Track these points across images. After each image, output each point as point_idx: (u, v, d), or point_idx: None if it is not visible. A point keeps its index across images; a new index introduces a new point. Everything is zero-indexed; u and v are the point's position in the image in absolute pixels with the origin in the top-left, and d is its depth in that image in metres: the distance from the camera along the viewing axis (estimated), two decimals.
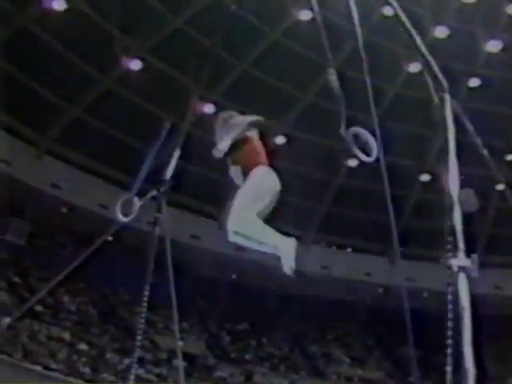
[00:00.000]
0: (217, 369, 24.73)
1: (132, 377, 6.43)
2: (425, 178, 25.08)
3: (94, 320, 22.86)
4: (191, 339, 23.93)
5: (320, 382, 26.57)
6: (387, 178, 4.05)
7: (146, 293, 6.51)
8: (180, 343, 7.79)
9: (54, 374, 14.95)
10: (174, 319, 7.22)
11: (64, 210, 21.20)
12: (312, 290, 28.61)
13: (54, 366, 15.72)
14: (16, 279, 21.80)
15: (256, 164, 4.25)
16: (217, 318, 29.41)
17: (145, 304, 6.51)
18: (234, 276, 29.73)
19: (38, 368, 14.88)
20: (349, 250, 28.92)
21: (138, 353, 6.50)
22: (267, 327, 30.03)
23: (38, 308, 20.25)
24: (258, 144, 4.41)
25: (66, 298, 23.08)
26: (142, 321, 6.56)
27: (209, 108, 19.14)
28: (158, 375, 19.62)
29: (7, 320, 6.74)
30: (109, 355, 19.65)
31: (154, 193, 6.54)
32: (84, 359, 17.87)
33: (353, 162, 22.12)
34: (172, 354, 21.45)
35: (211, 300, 28.61)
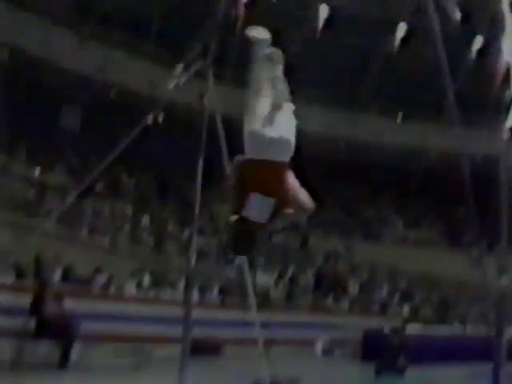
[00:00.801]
0: (272, 235, 25.61)
1: (193, 246, 6.93)
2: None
3: (153, 195, 23.82)
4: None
5: (374, 246, 27.28)
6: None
7: (201, 166, 6.85)
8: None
9: (120, 246, 15.86)
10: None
11: (113, 92, 21.45)
12: (364, 157, 28.73)
13: (119, 239, 16.64)
14: (74, 163, 22.68)
15: None
16: None
17: (200, 177, 6.88)
18: None
19: (105, 242, 15.79)
20: (400, 116, 28.56)
21: (197, 223, 6.96)
22: (320, 193, 30.51)
23: (99, 187, 21.20)
24: None
25: (124, 176, 23.98)
26: (199, 193, 6.96)
27: None
28: (217, 244, 20.59)
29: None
30: (170, 227, 20.65)
31: (199, 67, 6.68)
32: (147, 232, 18.85)
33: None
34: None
35: None
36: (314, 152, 28.43)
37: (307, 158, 26.40)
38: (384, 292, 21.36)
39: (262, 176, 3.31)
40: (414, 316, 16.29)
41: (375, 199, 31.92)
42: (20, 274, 11.26)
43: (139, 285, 13.07)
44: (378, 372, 10.96)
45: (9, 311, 8.96)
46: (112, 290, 12.40)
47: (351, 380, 9.55)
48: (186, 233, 19.29)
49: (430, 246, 28.51)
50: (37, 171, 20.30)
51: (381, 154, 28.90)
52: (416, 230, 30.24)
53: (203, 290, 14.09)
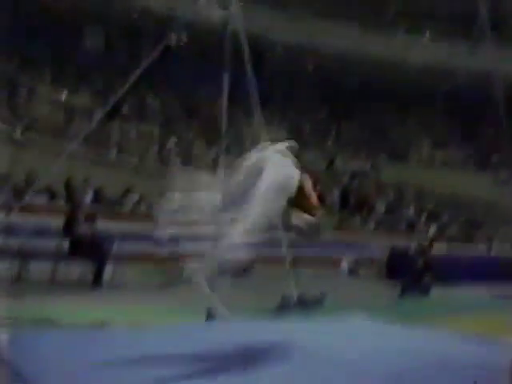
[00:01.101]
0: (298, 157, 25.58)
1: (221, 166, 6.98)
2: None
3: (178, 116, 23.80)
4: (272, 130, 24.56)
5: (401, 166, 27.13)
6: None
7: (226, 85, 6.80)
8: (262, 132, 8.21)
9: (148, 167, 16.01)
10: (254, 111, 7.58)
11: (135, 13, 21.11)
12: (391, 76, 28.16)
13: (147, 159, 16.78)
14: (99, 84, 22.60)
15: None
16: (296, 108, 29.84)
17: (225, 98, 6.85)
18: (310, 67, 29.53)
19: (133, 162, 15.93)
20: (428, 34, 27.70)
21: (223, 144, 6.99)
22: (346, 113, 30.29)
23: (125, 110, 21.22)
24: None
25: (149, 99, 23.92)
26: (225, 112, 6.95)
27: None
28: None
29: None
30: (196, 148, 20.72)
31: None
32: (174, 153, 18.96)
33: None
34: (255, 143, 22.33)
35: (289, 91, 28.85)
36: (341, 72, 27.96)
37: (334, 79, 26.06)
38: (411, 212, 21.42)
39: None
40: (440, 236, 16.36)
41: (402, 119, 31.53)
42: (52, 196, 11.51)
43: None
44: (403, 291, 11.14)
45: (43, 233, 9.21)
46: (142, 210, 12.61)
47: (376, 298, 9.72)
48: (213, 153, 19.36)
49: (457, 167, 28.28)
50: (63, 94, 20.34)
51: (408, 73, 28.30)
52: (443, 151, 29.95)
53: None
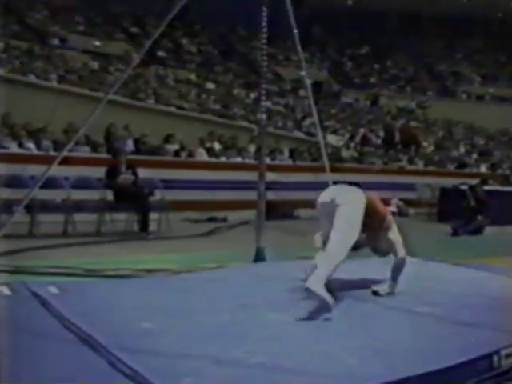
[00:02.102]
0: (342, 95, 25.26)
1: (262, 109, 6.90)
2: None
3: (216, 59, 23.60)
4: (313, 68, 24.23)
5: (449, 102, 26.57)
6: None
7: (264, 26, 6.64)
8: (303, 73, 8.05)
9: (187, 113, 15.99)
10: (295, 49, 7.41)
11: None
12: (437, 7, 27.30)
13: (186, 105, 16.75)
14: (133, 29, 22.49)
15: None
16: (337, 45, 29.26)
17: (264, 37, 6.69)
18: (350, 2, 28.79)
19: (172, 109, 15.92)
20: None
21: (263, 86, 6.87)
22: (390, 49, 29.58)
23: (161, 54, 21.12)
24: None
25: (185, 41, 23.73)
26: (264, 54, 6.80)
27: None
28: (285, 106, 20.50)
29: None
30: (236, 91, 20.59)
31: None
32: (213, 97, 18.88)
33: None
34: (296, 83, 22.06)
35: (330, 28, 28.24)
36: (385, 5, 27.16)
37: (374, 13, 25.51)
38: (461, 150, 21.00)
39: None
40: (492, 174, 16.03)
41: (450, 53, 30.62)
42: (93, 146, 11.63)
43: (210, 151, 13.27)
44: (454, 231, 11.02)
45: (85, 185, 9.34)
46: (183, 157, 12.67)
47: (428, 239, 9.64)
48: (253, 96, 19.22)
49: (509, 102, 27.48)
50: (96, 42, 20.35)
51: (456, 3, 27.34)
52: (494, 86, 29.07)
53: (274, 153, 14.21)
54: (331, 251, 4.13)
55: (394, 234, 4.76)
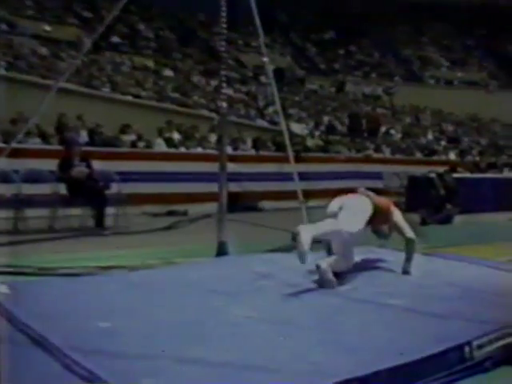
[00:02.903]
0: (306, 81, 25.31)
1: (223, 97, 6.85)
2: None
3: (174, 45, 23.40)
4: (275, 54, 24.22)
5: (417, 88, 26.83)
6: None
7: (224, 11, 6.59)
8: (265, 59, 8.03)
9: (145, 102, 15.82)
10: (257, 34, 7.38)
11: None
12: None
13: (143, 94, 16.58)
14: (86, 13, 22.15)
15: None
16: (300, 29, 29.28)
17: (224, 22, 6.64)
18: None
19: (129, 98, 15.74)
20: None
21: (223, 73, 6.82)
22: (355, 34, 29.70)
23: (115, 39, 20.85)
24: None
25: (142, 26, 23.46)
26: (224, 40, 6.75)
27: None
28: (247, 93, 20.45)
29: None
30: (195, 78, 20.46)
31: None
32: (171, 85, 18.72)
33: None
34: (258, 70, 22.04)
35: (292, 13, 28.24)
36: None
37: None
38: (429, 137, 21.27)
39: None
40: (461, 161, 16.28)
41: (417, 38, 30.93)
42: (44, 137, 11.42)
43: (168, 141, 13.17)
44: (423, 220, 11.13)
45: (37, 178, 9.17)
46: (141, 148, 12.56)
47: None
48: (213, 83, 19.13)
49: (478, 87, 27.90)
50: (46, 27, 19.98)
51: None
52: (463, 70, 29.47)
53: (236, 143, 14.18)
54: (345, 222, 4.73)
55: (398, 218, 5.24)
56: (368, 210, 4.98)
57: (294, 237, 4.35)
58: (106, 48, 19.11)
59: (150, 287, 4.70)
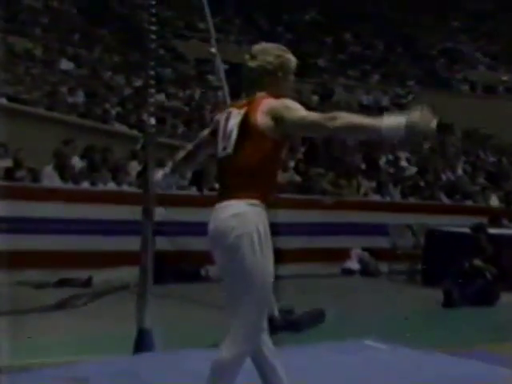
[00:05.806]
0: None
1: (150, 106, 6.91)
2: None
3: (76, 22, 23.53)
4: (231, 42, 24.51)
5: (441, 96, 27.34)
6: None
7: None
8: (213, 50, 8.19)
9: (27, 109, 15.80)
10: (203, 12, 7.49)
11: None
12: None
13: (25, 96, 16.58)
14: None
15: None
16: (268, 7, 29.72)
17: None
18: None
19: (3, 101, 15.70)
20: None
21: (151, 68, 6.92)
22: (350, 15, 30.33)
23: None
24: None
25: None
26: (152, 18, 6.85)
27: None
28: (187, 100, 20.58)
29: None
30: (107, 75, 20.56)
31: None
32: (71, 83, 18.75)
33: None
34: (203, 65, 22.30)
35: None
36: None
37: None
38: (459, 171, 21.32)
39: None
40: (507, 209, 16.52)
41: (440, 22, 31.63)
42: None
43: (65, 171, 13.07)
44: (448, 299, 11.11)
45: None
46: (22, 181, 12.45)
47: (404, 311, 9.89)
48: (136, 84, 19.20)
49: None
50: None
51: None
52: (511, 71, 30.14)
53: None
54: None
55: None
56: None
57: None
58: None
59: None
